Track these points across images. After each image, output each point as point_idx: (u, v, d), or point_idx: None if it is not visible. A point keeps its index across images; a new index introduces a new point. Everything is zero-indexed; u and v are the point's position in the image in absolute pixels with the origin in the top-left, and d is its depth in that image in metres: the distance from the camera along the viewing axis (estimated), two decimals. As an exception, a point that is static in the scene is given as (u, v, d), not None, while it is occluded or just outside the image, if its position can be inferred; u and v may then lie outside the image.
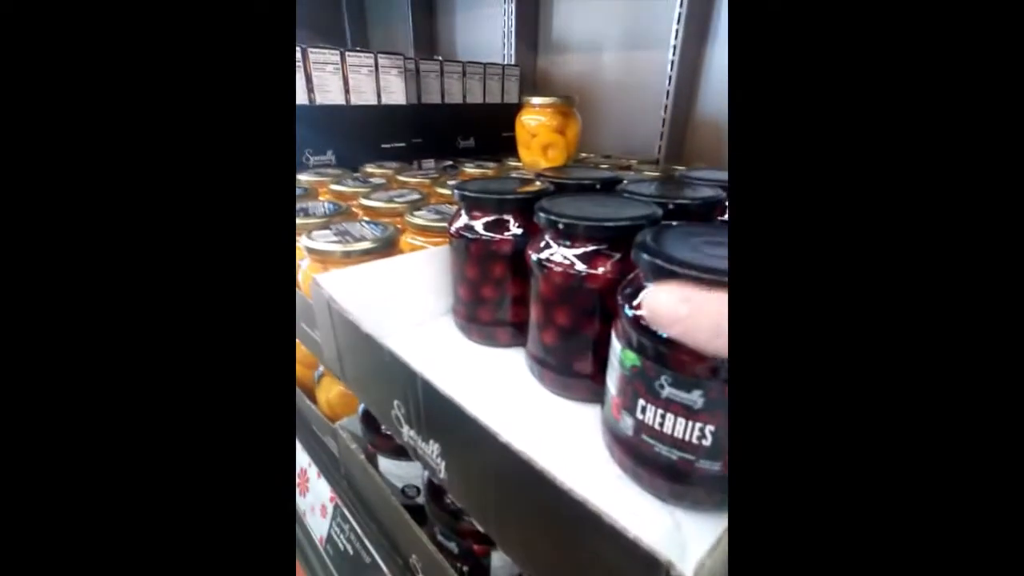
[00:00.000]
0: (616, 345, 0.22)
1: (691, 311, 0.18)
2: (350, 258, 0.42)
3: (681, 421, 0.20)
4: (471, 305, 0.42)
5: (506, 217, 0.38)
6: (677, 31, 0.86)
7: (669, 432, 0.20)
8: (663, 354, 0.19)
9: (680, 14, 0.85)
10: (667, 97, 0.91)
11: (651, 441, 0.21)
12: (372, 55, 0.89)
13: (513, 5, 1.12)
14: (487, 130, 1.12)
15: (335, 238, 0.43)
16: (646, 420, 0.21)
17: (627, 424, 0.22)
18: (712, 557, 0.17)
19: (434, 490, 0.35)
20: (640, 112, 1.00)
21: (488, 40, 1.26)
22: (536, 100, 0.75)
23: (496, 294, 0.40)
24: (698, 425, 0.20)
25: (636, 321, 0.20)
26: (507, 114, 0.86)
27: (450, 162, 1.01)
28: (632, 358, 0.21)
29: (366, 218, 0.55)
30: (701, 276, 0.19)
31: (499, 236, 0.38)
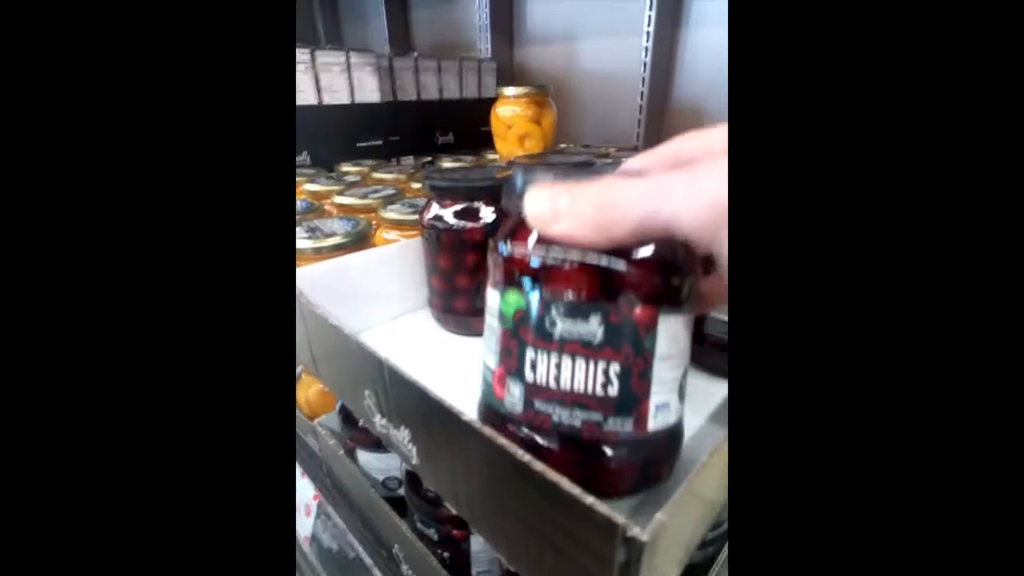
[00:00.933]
0: (494, 300, 0.19)
1: (572, 201, 0.16)
2: (321, 254, 0.42)
3: (580, 364, 0.17)
4: (446, 295, 0.42)
5: (476, 205, 0.38)
6: (650, 17, 0.86)
7: (567, 386, 0.17)
8: (552, 272, 0.17)
9: (652, 1, 0.85)
10: (643, 84, 0.91)
11: (546, 408, 0.17)
12: (344, 53, 0.88)
13: (486, -2, 1.12)
14: (465, 125, 1.11)
15: (306, 235, 0.43)
16: (538, 378, 0.17)
17: (514, 396, 0.18)
18: (669, 513, 0.17)
19: (412, 479, 0.35)
20: (618, 100, 1.00)
21: (464, 34, 1.26)
22: (509, 91, 0.74)
23: (470, 283, 0.40)
24: (600, 366, 0.16)
25: (515, 255, 0.18)
26: (485, 108, 0.86)
27: (428, 158, 1.01)
28: (515, 300, 0.18)
29: (339, 215, 0.54)
30: (575, 173, 0.17)
31: (470, 224, 0.38)
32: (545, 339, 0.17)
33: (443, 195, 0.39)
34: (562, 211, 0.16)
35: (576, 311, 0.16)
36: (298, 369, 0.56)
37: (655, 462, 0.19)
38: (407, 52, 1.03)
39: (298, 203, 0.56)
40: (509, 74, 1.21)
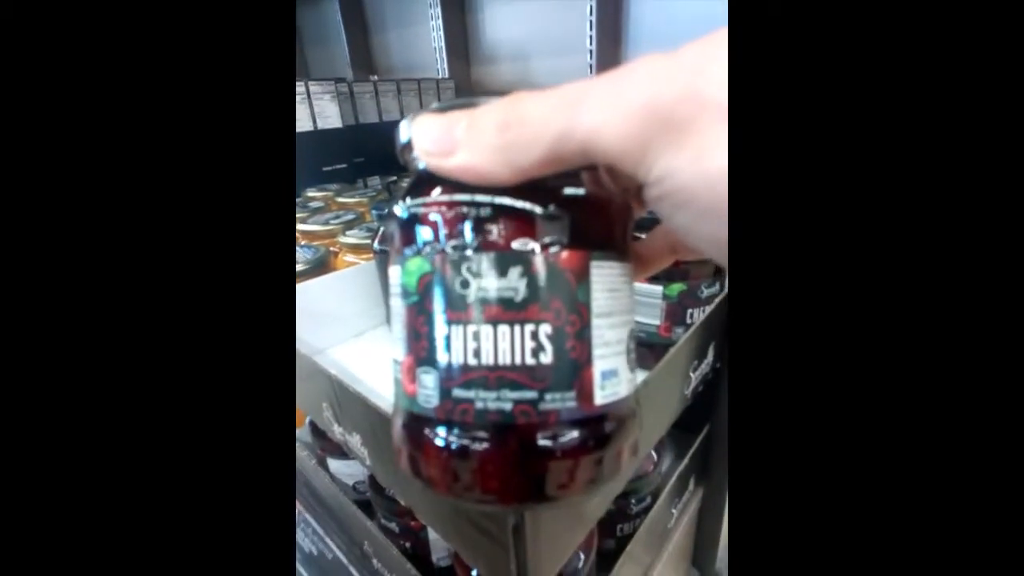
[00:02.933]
0: (395, 275, 0.16)
1: (470, 126, 0.14)
2: (283, 282, 0.46)
3: (503, 332, 0.14)
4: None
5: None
6: (591, 37, 0.92)
7: (490, 361, 0.14)
8: (456, 221, 0.14)
9: (591, 21, 0.91)
10: (590, 98, 0.97)
11: (467, 394, 0.14)
12: (303, 83, 0.92)
13: (441, 21, 1.17)
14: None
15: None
16: (453, 359, 0.14)
17: (428, 388, 0.15)
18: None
19: (373, 480, 0.39)
20: (570, 113, 1.06)
21: (422, 56, 1.30)
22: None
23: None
24: (528, 328, 0.14)
25: (412, 212, 0.15)
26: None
27: (394, 178, 1.05)
28: (418, 266, 0.15)
29: (303, 242, 0.58)
30: (470, 101, 0.15)
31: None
32: (458, 307, 0.14)
33: (383, 221, 0.43)
34: (458, 139, 0.14)
35: (491, 265, 0.14)
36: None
37: (612, 446, 0.15)
38: (367, 76, 1.07)
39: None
40: (467, 93, 1.26)
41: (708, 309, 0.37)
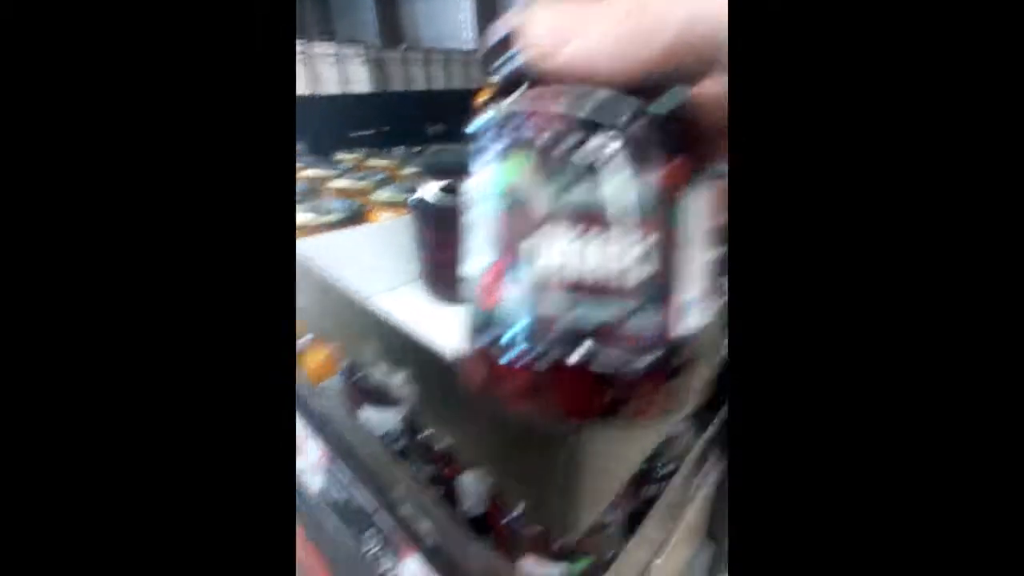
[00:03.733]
0: (486, 178, 0.15)
1: (587, 17, 0.13)
2: (320, 230, 0.46)
3: (597, 245, 0.13)
4: (433, 267, 0.46)
5: (459, 182, 0.42)
6: None
7: (583, 273, 0.13)
8: (564, 122, 0.13)
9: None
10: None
11: (554, 308, 0.13)
12: (335, 45, 0.91)
13: (472, -10, 1.15)
14: (454, 116, 1.14)
15: (309, 212, 0.47)
16: (543, 269, 0.14)
17: (514, 299, 0.14)
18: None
19: (411, 423, 0.40)
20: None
21: (452, 26, 1.29)
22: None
23: (454, 255, 0.44)
24: (628, 242, 0.13)
25: (517, 110, 0.14)
26: (473, 100, 0.89)
27: (419, 148, 1.04)
28: (515, 167, 0.14)
29: (336, 197, 0.58)
30: None
31: (454, 199, 0.42)
32: (551, 215, 0.13)
33: (428, 174, 0.43)
34: (576, 29, 0.13)
35: (592, 173, 0.13)
36: (308, 337, 0.61)
37: (688, 373, 0.15)
38: (396, 45, 1.06)
39: (299, 186, 0.60)
40: (496, 64, 1.25)
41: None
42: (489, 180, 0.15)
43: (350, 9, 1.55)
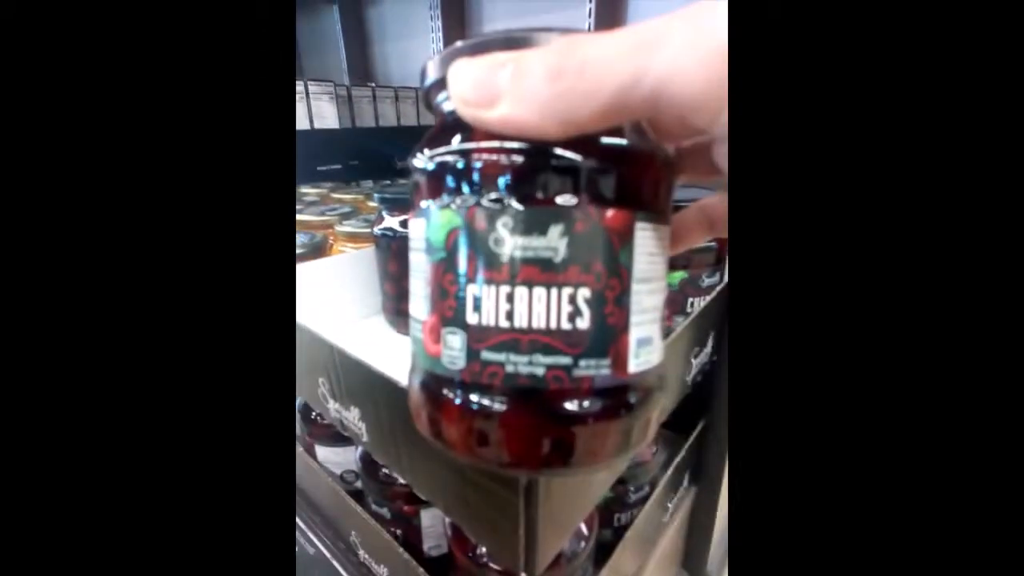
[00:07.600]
0: (419, 228, 0.15)
1: (516, 73, 0.12)
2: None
3: (539, 294, 0.13)
4: (397, 299, 0.46)
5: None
6: (589, 25, 0.95)
7: (525, 323, 0.13)
8: (493, 173, 0.13)
9: (589, 24, 0.94)
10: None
11: (497, 357, 0.13)
12: (302, 82, 0.92)
13: (441, 33, 1.19)
14: (424, 150, 1.17)
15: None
16: (484, 320, 0.13)
17: (454, 350, 0.14)
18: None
19: (366, 463, 0.38)
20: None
21: (421, 67, 1.32)
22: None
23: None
24: (567, 292, 0.13)
25: (443, 160, 0.14)
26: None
27: (388, 182, 1.05)
28: (447, 219, 0.13)
29: (299, 230, 0.57)
30: (512, 36, 0.13)
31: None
32: (491, 265, 0.13)
33: (392, 206, 0.43)
34: (502, 88, 0.12)
35: (530, 222, 0.13)
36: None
37: (642, 414, 0.15)
38: (365, 83, 1.08)
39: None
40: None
41: (708, 298, 0.37)
42: (420, 231, 0.15)
43: (318, 49, 1.58)
